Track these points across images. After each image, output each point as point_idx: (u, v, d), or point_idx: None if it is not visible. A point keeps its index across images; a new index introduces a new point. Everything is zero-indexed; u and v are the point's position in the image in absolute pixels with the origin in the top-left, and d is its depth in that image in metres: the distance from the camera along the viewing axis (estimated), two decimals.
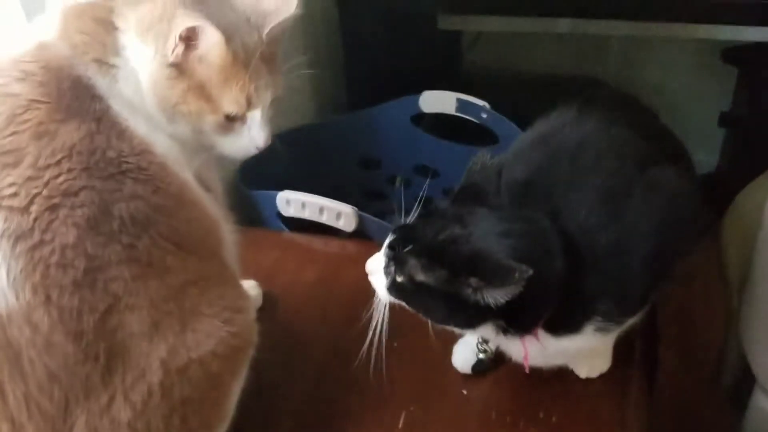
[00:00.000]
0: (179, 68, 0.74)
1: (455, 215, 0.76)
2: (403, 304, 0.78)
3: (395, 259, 0.76)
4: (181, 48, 0.73)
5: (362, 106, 1.49)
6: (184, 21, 0.72)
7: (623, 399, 0.90)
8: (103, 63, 0.74)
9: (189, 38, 0.73)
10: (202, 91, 0.75)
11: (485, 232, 0.73)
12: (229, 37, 0.74)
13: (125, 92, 0.74)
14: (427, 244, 0.74)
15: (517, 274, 0.69)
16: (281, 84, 0.81)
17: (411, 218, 0.79)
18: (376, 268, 0.79)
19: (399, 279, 0.76)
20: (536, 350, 0.81)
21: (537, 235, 0.75)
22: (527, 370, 0.85)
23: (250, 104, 0.78)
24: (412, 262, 0.74)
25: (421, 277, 0.74)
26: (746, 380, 1.05)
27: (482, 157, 0.80)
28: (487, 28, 1.80)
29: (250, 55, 0.76)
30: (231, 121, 0.78)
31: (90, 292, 0.66)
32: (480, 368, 0.92)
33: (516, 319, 0.75)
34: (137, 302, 0.68)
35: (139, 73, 0.75)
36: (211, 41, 0.73)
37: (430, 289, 0.74)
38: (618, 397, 0.90)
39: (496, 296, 0.70)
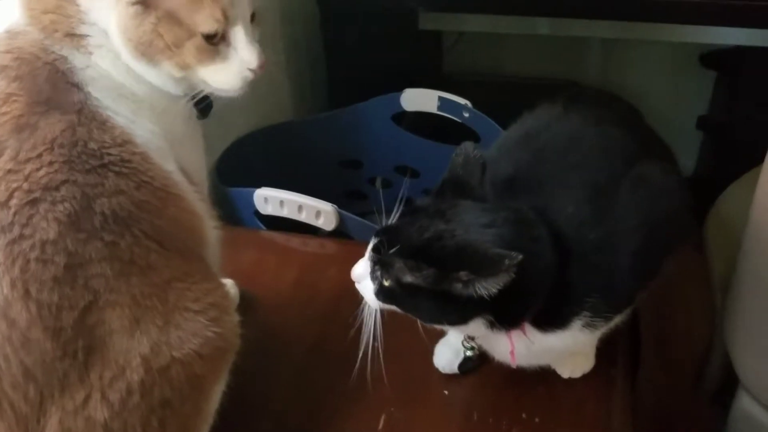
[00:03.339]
0: (144, 3, 0.71)
1: (438, 211, 0.74)
2: (394, 308, 0.76)
3: (381, 263, 0.74)
4: None
5: (343, 105, 1.48)
6: None
7: (606, 399, 0.90)
8: (74, 36, 0.72)
9: None
10: (172, 18, 0.72)
11: (469, 224, 0.72)
12: None
13: (102, 65, 0.73)
14: (412, 244, 0.72)
15: (507, 261, 0.67)
16: None
17: (393, 219, 0.77)
18: (363, 274, 0.77)
19: (386, 283, 0.74)
20: (522, 348, 0.80)
21: (523, 223, 0.74)
22: (514, 366, 0.84)
23: (227, 18, 0.73)
24: (399, 264, 0.72)
25: (409, 278, 0.72)
26: (729, 382, 1.06)
27: (466, 149, 0.78)
28: (467, 28, 1.80)
29: None
30: (214, 44, 0.74)
31: (70, 288, 0.64)
32: (467, 366, 0.91)
33: (506, 311, 0.74)
34: (118, 299, 0.67)
35: (108, 32, 0.72)
36: None
37: (420, 289, 0.72)
38: (601, 398, 0.89)
39: (488, 287, 0.69)
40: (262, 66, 0.77)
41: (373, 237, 0.76)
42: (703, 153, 1.92)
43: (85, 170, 0.67)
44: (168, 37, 0.72)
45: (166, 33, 0.72)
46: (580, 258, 0.76)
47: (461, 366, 0.91)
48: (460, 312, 0.74)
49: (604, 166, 0.82)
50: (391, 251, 0.72)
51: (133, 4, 0.71)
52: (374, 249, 0.75)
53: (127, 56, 0.73)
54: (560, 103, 0.90)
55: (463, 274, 0.69)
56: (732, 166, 1.26)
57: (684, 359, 1.33)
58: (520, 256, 0.67)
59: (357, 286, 0.78)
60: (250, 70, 0.76)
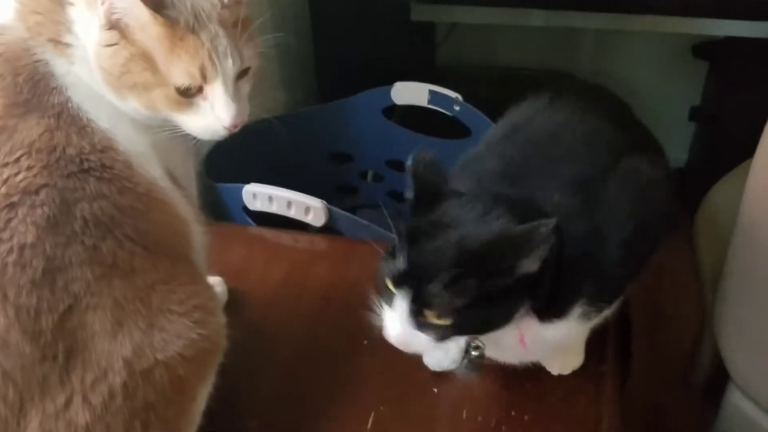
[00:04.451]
0: (120, 33, 0.68)
1: (433, 225, 0.71)
2: (451, 339, 0.73)
3: (421, 309, 0.69)
4: (108, 5, 0.67)
5: (333, 98, 1.47)
6: None
7: (596, 396, 0.89)
8: (58, 43, 0.70)
9: None
10: (147, 60, 0.69)
11: (475, 220, 0.70)
12: (170, 1, 0.68)
13: (82, 76, 0.71)
14: (440, 270, 0.67)
15: (543, 229, 0.66)
16: (252, 53, 0.74)
17: (399, 261, 0.70)
18: (406, 334, 0.71)
19: (441, 322, 0.69)
20: (516, 343, 0.79)
21: (522, 204, 0.73)
22: (524, 349, 0.81)
23: (205, 75, 0.70)
24: (440, 297, 0.67)
25: (457, 302, 0.68)
26: (720, 377, 1.06)
27: (421, 156, 0.74)
28: (460, 19, 1.79)
29: (203, 20, 0.69)
30: (188, 96, 0.71)
31: (49, 292, 0.64)
32: (477, 364, 0.86)
33: (544, 294, 0.72)
34: (100, 302, 0.66)
35: (88, 50, 0.70)
36: (128, 5, 0.67)
37: (470, 306, 0.68)
38: (591, 394, 0.89)
39: (530, 264, 0.67)
40: (237, 125, 0.73)
41: (394, 290, 0.70)
42: (696, 144, 1.92)
43: (64, 175, 0.66)
44: (138, 78, 0.69)
45: (137, 73, 0.69)
46: (573, 247, 0.75)
47: (471, 366, 0.85)
48: (507, 307, 0.71)
49: (591, 158, 0.81)
50: (427, 289, 0.68)
51: (108, 29, 0.68)
52: (404, 301, 0.70)
53: (98, 79, 0.70)
54: (545, 96, 0.90)
55: (504, 265, 0.67)
56: (725, 157, 1.26)
57: (675, 355, 1.33)
58: (554, 221, 0.66)
59: (406, 349, 0.73)
60: (223, 126, 0.73)
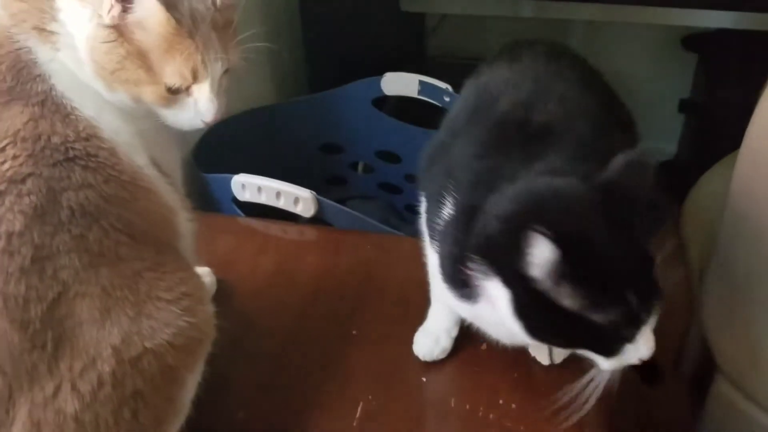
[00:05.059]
0: (118, 31, 0.69)
1: (554, 214, 0.67)
2: None
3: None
4: (117, 9, 0.68)
5: (323, 88, 1.47)
6: None
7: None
8: (42, 30, 0.70)
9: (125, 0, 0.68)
10: (142, 59, 0.70)
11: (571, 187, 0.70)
12: (173, 3, 0.69)
13: (68, 64, 0.71)
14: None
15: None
16: (236, 55, 0.75)
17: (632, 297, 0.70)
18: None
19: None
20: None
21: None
22: None
23: (195, 77, 0.72)
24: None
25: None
26: (707, 367, 1.06)
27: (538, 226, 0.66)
28: (449, 10, 1.79)
29: (198, 23, 0.70)
30: (174, 94, 0.72)
31: (38, 280, 0.64)
32: None
33: None
34: (88, 290, 0.66)
35: (75, 38, 0.70)
36: (147, 6, 0.68)
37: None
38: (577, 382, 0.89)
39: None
40: (216, 120, 0.76)
41: (639, 324, 0.72)
42: (685, 136, 1.93)
43: (50, 164, 0.66)
44: (131, 75, 0.70)
45: (130, 70, 0.70)
46: None
47: None
48: None
49: (571, 135, 0.78)
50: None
51: (106, 26, 0.68)
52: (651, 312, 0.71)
53: (88, 70, 0.71)
54: (504, 64, 0.88)
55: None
56: (714, 149, 1.26)
57: (662, 344, 1.33)
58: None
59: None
60: (203, 121, 0.75)
